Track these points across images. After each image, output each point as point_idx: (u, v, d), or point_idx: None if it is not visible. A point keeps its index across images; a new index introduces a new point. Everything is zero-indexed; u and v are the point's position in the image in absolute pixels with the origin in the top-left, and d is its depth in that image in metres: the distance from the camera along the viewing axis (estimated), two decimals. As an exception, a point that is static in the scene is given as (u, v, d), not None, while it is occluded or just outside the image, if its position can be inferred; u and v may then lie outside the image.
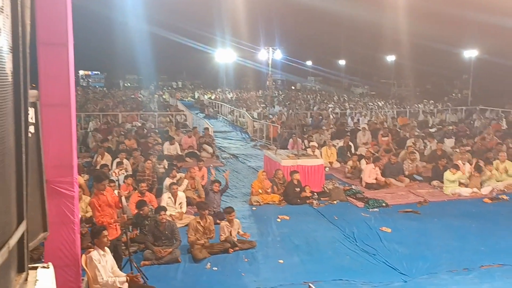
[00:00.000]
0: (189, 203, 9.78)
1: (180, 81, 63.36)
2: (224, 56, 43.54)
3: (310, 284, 3.58)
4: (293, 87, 56.66)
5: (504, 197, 10.95)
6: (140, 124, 19.72)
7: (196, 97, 44.44)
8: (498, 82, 37.73)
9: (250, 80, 57.24)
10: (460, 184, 11.47)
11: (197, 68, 60.53)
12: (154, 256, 7.32)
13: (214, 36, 44.80)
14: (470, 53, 37.24)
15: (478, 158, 13.47)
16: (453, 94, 43.48)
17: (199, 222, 7.78)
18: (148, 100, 35.27)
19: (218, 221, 8.80)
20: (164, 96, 41.91)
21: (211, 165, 14.28)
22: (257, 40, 37.75)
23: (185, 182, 10.60)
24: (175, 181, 10.17)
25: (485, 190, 11.31)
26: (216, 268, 7.14)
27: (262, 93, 42.89)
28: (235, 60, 45.37)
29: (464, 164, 12.07)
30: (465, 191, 11.21)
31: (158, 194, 10.29)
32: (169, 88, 55.77)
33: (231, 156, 16.37)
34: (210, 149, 15.92)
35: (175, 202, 9.31)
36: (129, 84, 60.08)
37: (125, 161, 11.98)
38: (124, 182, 9.97)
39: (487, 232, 8.69)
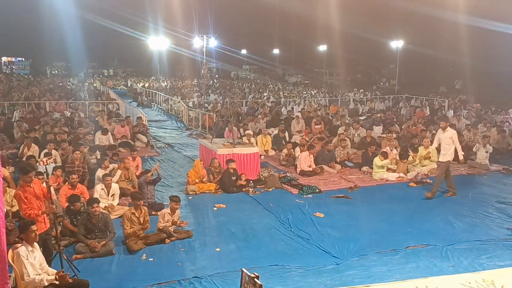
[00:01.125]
0: (123, 194, 9.58)
1: (111, 68, 61.37)
2: (158, 43, 42.59)
3: (244, 270, 3.65)
4: (229, 76, 56.55)
5: (428, 181, 11.61)
6: (69, 114, 18.95)
7: (129, 85, 43.25)
8: (422, 72, 39.80)
9: (185, 68, 56.47)
10: (388, 169, 12.03)
11: (130, 56, 58.83)
12: (87, 249, 7.12)
13: (147, 23, 43.77)
14: (397, 44, 38.93)
15: (404, 144, 14.22)
16: (381, 83, 45.26)
17: (133, 213, 7.65)
18: (78, 88, 33.92)
19: (153, 212, 8.72)
20: (94, 84, 40.45)
21: (146, 154, 14.07)
22: (191, 28, 37.30)
23: (118, 172, 10.35)
24: (108, 172, 9.90)
25: (411, 174, 11.95)
26: (152, 259, 7.07)
27: (197, 81, 42.50)
28: (169, 48, 44.55)
29: (391, 150, 12.66)
30: (392, 176, 11.77)
31: (90, 186, 9.98)
32: (100, 76, 53.85)
33: (166, 146, 16.16)
34: (144, 139, 15.62)
35: (108, 194, 9.08)
36: (56, 72, 57.40)
37: (53, 152, 11.48)
38: (53, 173, 9.58)
39: (412, 215, 9.17)
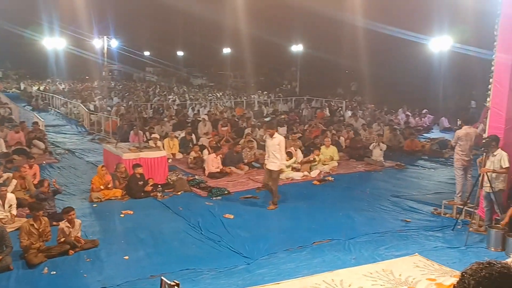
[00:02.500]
0: (19, 204, 8.94)
1: (1, 70, 56.66)
2: (54, 43, 40.11)
3: (163, 278, 3.58)
4: (131, 78, 54.86)
5: (330, 178, 12.22)
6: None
7: (22, 88, 40.34)
8: (321, 74, 41.67)
9: (84, 70, 53.82)
10: (293, 168, 12.47)
11: (22, 57, 54.58)
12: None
13: (41, 22, 41.00)
14: (297, 48, 40.42)
15: (307, 144, 14.83)
16: (283, 86, 46.59)
17: (32, 225, 7.19)
18: (-37, 91, 31.00)
19: (54, 223, 8.24)
20: (-18, 87, 37.21)
21: (44, 162, 13.27)
22: (91, 28, 35.65)
23: (14, 182, 9.66)
24: (2, 182, 9.20)
25: (314, 173, 12.49)
26: (54, 272, 6.69)
27: (97, 84, 40.76)
28: (66, 49, 42.16)
29: (296, 150, 13.13)
30: (297, 175, 12.23)
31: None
32: (-11, 78, 49.62)
33: (67, 152, 15.32)
34: (42, 145, 14.70)
35: (3, 205, 8.43)
36: None
37: None
38: None
39: (316, 211, 9.60)
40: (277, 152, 9.51)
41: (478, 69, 20.08)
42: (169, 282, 3.41)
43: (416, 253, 7.13)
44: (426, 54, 27.63)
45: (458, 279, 1.93)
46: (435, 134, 19.52)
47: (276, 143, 9.56)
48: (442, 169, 13.63)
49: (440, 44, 25.16)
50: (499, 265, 1.82)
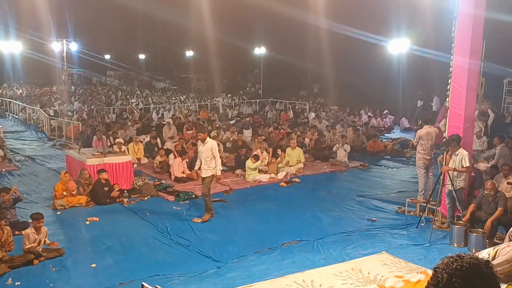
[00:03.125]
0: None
1: (-48, 75, 54.39)
2: (9, 47, 38.86)
3: (144, 283, 3.53)
4: (94, 83, 53.69)
5: (296, 180, 12.34)
6: None
7: (-24, 94, 38.84)
8: (283, 77, 42.10)
9: (42, 74, 52.34)
10: (260, 171, 12.54)
11: (-25, 61, 52.74)
12: None
13: (-5, 25, 39.66)
14: (260, 50, 40.66)
15: (273, 146, 14.91)
16: (247, 88, 46.77)
17: (-6, 235, 6.95)
18: None
19: (16, 232, 7.99)
20: None
21: (3, 169, 12.84)
22: (49, 31, 34.69)
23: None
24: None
25: (281, 175, 12.58)
26: (19, 283, 6.48)
27: (57, 88, 39.71)
28: (23, 53, 40.89)
29: (262, 152, 13.20)
30: (264, 177, 12.29)
31: None
32: None
33: (27, 158, 14.85)
34: (0, 152, 14.20)
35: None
36: None
37: None
38: None
39: (284, 213, 9.67)
40: (210, 157, 9.03)
41: (435, 70, 20.81)
42: (150, 287, 3.37)
43: (384, 251, 7.30)
44: (386, 56, 28.35)
45: (424, 275, 2.03)
46: (396, 134, 20.01)
47: (209, 148, 9.07)
48: (404, 168, 14.00)
49: (398, 46, 25.83)
50: (468, 257, 1.95)
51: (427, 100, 23.95)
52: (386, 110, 22.60)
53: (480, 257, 1.96)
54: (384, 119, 21.54)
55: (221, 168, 9.42)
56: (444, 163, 8.45)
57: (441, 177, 8.39)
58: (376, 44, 26.82)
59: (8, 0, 36.22)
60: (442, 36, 10.53)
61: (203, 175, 9.18)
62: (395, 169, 13.93)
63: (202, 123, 19.67)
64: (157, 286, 3.33)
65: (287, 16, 29.74)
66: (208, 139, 9.29)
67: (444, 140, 8.55)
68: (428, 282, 1.98)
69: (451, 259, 1.95)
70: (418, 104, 24.07)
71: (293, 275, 6.45)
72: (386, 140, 17.79)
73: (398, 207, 9.84)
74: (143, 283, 3.35)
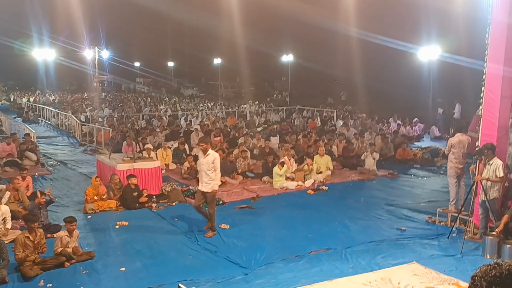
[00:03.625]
0: (14, 216, 8.83)
1: (-10, 82, 56.21)
2: (43, 55, 39.96)
3: (181, 285, 3.56)
4: (123, 90, 54.69)
5: (324, 187, 12.24)
6: None
7: (11, 100, 40.07)
8: (311, 84, 42.02)
9: (74, 81, 53.72)
10: (287, 178, 12.50)
11: (11, 68, 54.27)
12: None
13: (30, 33, 40.89)
14: (288, 58, 40.73)
15: (301, 153, 14.88)
16: (274, 95, 46.85)
17: (27, 237, 7.11)
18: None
19: (49, 235, 8.17)
20: (-29, 100, 36.94)
21: (37, 173, 13.17)
22: (81, 39, 35.58)
23: (7, 194, 9.55)
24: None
25: (308, 182, 12.50)
26: (50, 285, 6.62)
27: (88, 95, 40.60)
28: (56, 60, 42.00)
29: (289, 159, 13.16)
30: (292, 185, 12.23)
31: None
32: (-23, 90, 49.24)
33: (59, 163, 15.20)
34: (33, 157, 14.57)
35: (-2, 217, 8.36)
36: None
37: None
38: None
39: (312, 220, 9.60)
40: (211, 171, 8.44)
41: (467, 78, 20.40)
42: None
43: (414, 261, 7.16)
44: (416, 64, 27.97)
45: (456, 286, 2.01)
46: (426, 143, 19.66)
47: (211, 160, 8.43)
48: (435, 177, 13.74)
49: (428, 54, 25.44)
50: (507, 264, 1.92)
51: (449, 107, 23.69)
52: (416, 118, 22.26)
53: None
54: (413, 127, 21.20)
55: (219, 183, 8.82)
56: (477, 173, 8.26)
57: (474, 187, 8.19)
58: (406, 51, 26.51)
59: (42, 8, 37.31)
60: (475, 43, 10.34)
61: (203, 189, 8.56)
62: (425, 178, 13.68)
63: (229, 129, 19.80)
64: (193, 287, 3.34)
65: (315, 23, 29.72)
66: (210, 150, 8.63)
67: (477, 149, 8.36)
68: None
69: (490, 267, 1.93)
70: (438, 111, 23.81)
71: (322, 284, 6.39)
72: (416, 148, 17.50)
73: (428, 217, 9.65)
74: (180, 284, 3.37)
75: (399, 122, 21.76)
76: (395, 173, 13.91)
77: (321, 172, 13.13)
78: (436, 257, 7.60)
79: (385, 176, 13.73)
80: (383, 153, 15.91)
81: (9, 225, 8.41)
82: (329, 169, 13.35)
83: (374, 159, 13.93)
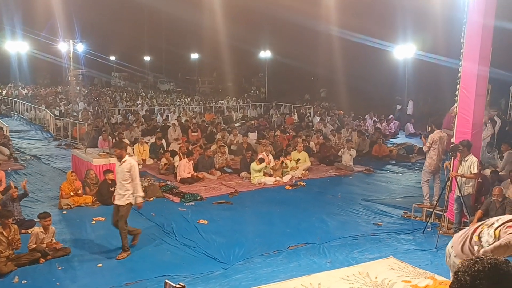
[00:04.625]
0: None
1: (-41, 74, 54.57)
2: (16, 47, 39.01)
3: (167, 281, 3.50)
4: (96, 83, 53.82)
5: (302, 183, 12.31)
6: None
7: (-18, 93, 38.96)
8: (288, 81, 42.14)
9: (48, 74, 52.57)
10: (265, 173, 12.52)
11: (-18, 61, 52.96)
12: None
13: (2, 25, 39.85)
14: (265, 54, 40.73)
15: (279, 149, 14.92)
16: (251, 91, 46.80)
17: (1, 233, 6.95)
18: None
19: (23, 231, 8.01)
20: None
21: (9, 168, 12.88)
22: (56, 32, 34.81)
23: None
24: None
25: (286, 178, 12.55)
26: (25, 281, 6.49)
27: (62, 88, 39.83)
28: (30, 53, 41.04)
29: (267, 155, 13.18)
30: (270, 180, 12.27)
31: None
32: None
33: (32, 158, 14.90)
34: (6, 151, 14.24)
35: (-32, 213, 8.14)
36: None
37: None
38: None
39: (290, 216, 9.65)
40: (127, 181, 7.38)
41: (441, 76, 20.79)
42: (174, 284, 3.34)
43: (391, 256, 7.28)
44: (392, 62, 28.34)
45: (432, 280, 2.05)
46: (401, 139, 19.96)
47: (126, 168, 7.37)
48: (410, 173, 13.96)
49: (404, 52, 25.80)
50: (487, 257, 1.96)
51: (406, 104, 25.12)
52: (391, 115, 22.57)
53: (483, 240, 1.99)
54: (389, 124, 21.49)
55: (142, 194, 7.59)
56: (451, 169, 8.42)
57: (449, 182, 8.36)
58: (383, 49, 26.81)
59: (15, 0, 36.39)
60: (451, 41, 10.53)
61: (117, 202, 7.50)
62: (401, 174, 13.89)
63: (206, 125, 19.72)
64: (180, 283, 3.31)
65: (294, 20, 29.81)
66: (127, 157, 7.53)
67: (452, 145, 8.52)
68: (450, 286, 1.98)
69: (471, 262, 1.97)
70: (397, 108, 24.96)
71: (300, 278, 6.43)
72: (391, 145, 17.76)
73: (404, 212, 9.82)
74: (166, 280, 3.33)
75: (375, 119, 22.03)
76: (372, 169, 14.09)
77: (297, 168, 13.19)
78: (412, 251, 7.73)
79: (361, 171, 13.89)
80: (360, 149, 16.08)
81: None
82: (307, 165, 13.43)
83: (351, 155, 14.07)
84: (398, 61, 27.43)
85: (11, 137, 16.80)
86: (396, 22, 26.07)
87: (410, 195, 11.23)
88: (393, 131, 21.34)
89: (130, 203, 7.50)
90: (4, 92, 36.44)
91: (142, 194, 7.62)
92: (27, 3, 34.52)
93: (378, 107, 25.20)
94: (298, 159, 13.44)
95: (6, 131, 16.08)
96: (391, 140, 19.71)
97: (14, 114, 27.09)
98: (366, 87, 30.16)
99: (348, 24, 26.57)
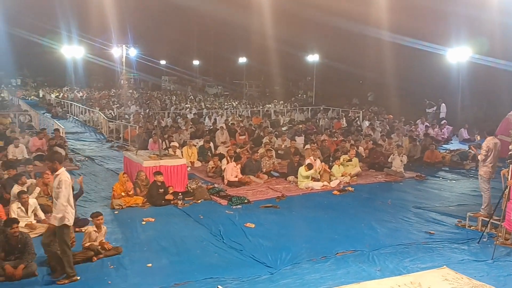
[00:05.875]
0: (43, 210, 8.98)
1: (20, 78, 57.50)
2: (72, 52, 40.68)
3: (219, 286, 3.53)
4: (149, 87, 55.27)
5: (350, 188, 12.10)
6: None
7: (40, 95, 40.91)
8: (336, 84, 41.61)
9: (101, 78, 54.50)
10: (312, 178, 12.40)
11: (40, 65, 55.51)
12: (4, 272, 6.59)
13: (59, 30, 41.61)
14: (313, 57, 40.45)
15: (326, 154, 14.74)
16: (299, 95, 46.61)
17: (57, 231, 7.18)
18: (-17, 98, 31.55)
19: (77, 229, 8.27)
20: (2, 95, 37.80)
21: (65, 168, 13.34)
22: (109, 37, 36.07)
23: (37, 190, 9.69)
24: (25, 189, 9.26)
25: (334, 183, 12.37)
26: (79, 278, 6.69)
27: (115, 92, 41.17)
28: (84, 57, 42.72)
29: (315, 160, 13.05)
30: (317, 185, 12.13)
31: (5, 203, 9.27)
32: (8, 85, 50.35)
33: (87, 159, 15.45)
34: (62, 152, 14.79)
35: (27, 211, 8.49)
36: (-43, 81, 52.74)
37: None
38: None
39: (338, 221, 9.49)
40: (60, 197, 6.39)
41: (497, 80, 19.92)
42: None
43: (444, 266, 7.00)
44: (444, 65, 27.40)
45: None
46: (455, 145, 19.28)
47: (55, 184, 6.50)
48: (464, 180, 13.44)
49: (458, 55, 24.90)
50: None
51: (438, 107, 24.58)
52: (444, 120, 21.84)
53: None
54: (442, 130, 20.81)
55: (58, 217, 6.41)
56: (509, 177, 8.03)
57: (506, 191, 7.97)
58: (434, 53, 25.99)
59: (71, 6, 37.92)
60: (509, 44, 10.07)
61: (52, 222, 6.59)
62: (454, 181, 13.40)
63: (254, 128, 19.78)
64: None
65: (342, 23, 29.45)
66: (61, 170, 6.57)
67: (510, 152, 8.13)
68: None
69: None
70: (428, 110, 24.63)
71: (349, 286, 6.30)
72: (444, 151, 17.17)
73: (458, 221, 9.44)
74: (219, 286, 3.34)
75: (427, 124, 21.39)
76: (423, 176, 13.67)
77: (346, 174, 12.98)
78: (467, 262, 7.41)
79: (412, 178, 13.51)
80: (411, 155, 15.66)
81: (42, 216, 8.58)
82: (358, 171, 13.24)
83: (401, 161, 13.71)
84: (451, 64, 26.49)
85: (67, 139, 17.50)
86: (450, 24, 25.20)
87: (464, 203, 10.82)
88: (446, 136, 20.65)
89: (67, 226, 6.51)
90: (60, 95, 38.08)
91: (58, 216, 6.40)
92: (83, 9, 35.88)
93: (431, 112, 24.44)
94: (350, 160, 13.27)
95: (63, 132, 16.75)
96: (444, 146, 19.08)
97: (70, 116, 28.22)
98: (417, 91, 29.32)
99: (398, 26, 25.98)
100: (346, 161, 13.27)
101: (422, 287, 6.18)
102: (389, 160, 14.05)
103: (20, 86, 52.47)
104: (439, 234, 8.76)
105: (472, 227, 9.04)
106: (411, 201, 11.10)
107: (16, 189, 9.22)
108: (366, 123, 22.37)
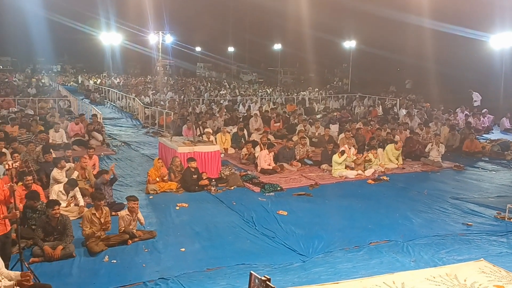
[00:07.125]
0: (81, 194, 9.21)
1: (60, 64, 59.03)
2: (110, 39, 41.33)
3: (253, 272, 3.54)
4: (181, 73, 55.77)
5: (385, 178, 11.90)
6: (17, 110, 18.15)
7: (79, 81, 41.89)
8: (373, 71, 40.77)
9: (138, 65, 55.34)
10: (346, 167, 12.25)
11: (80, 51, 56.81)
12: (43, 253, 6.82)
13: (98, 17, 42.33)
14: (350, 44, 39.71)
15: (361, 142, 14.53)
16: (334, 82, 46.02)
17: (94, 214, 7.39)
18: (25, 84, 32.53)
19: (113, 213, 8.45)
20: (43, 81, 38.91)
21: (102, 153, 13.68)
22: (145, 24, 36.48)
23: (75, 174, 9.94)
24: (64, 173, 9.52)
25: (368, 172, 12.18)
26: (115, 261, 6.85)
27: (151, 78, 41.72)
28: (122, 44, 43.40)
29: (349, 148, 12.87)
30: (351, 173, 11.98)
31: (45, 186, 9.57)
32: (49, 71, 51.80)
33: (123, 144, 15.77)
34: (100, 137, 15.17)
35: (67, 194, 8.74)
36: (1, 67, 54.68)
37: (4, 150, 10.91)
38: (5, 174, 9.10)
39: (372, 211, 9.36)
40: None
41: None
42: (259, 276, 3.34)
43: (482, 258, 6.81)
44: (486, 52, 26.43)
45: None
46: (496, 135, 18.66)
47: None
48: (505, 171, 13.03)
49: (502, 41, 23.94)
50: None
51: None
52: (485, 109, 21.15)
53: None
54: (482, 119, 20.15)
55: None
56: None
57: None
58: (476, 39, 25.09)
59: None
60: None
61: None
62: (494, 172, 13.00)
63: (287, 116, 19.68)
64: (265, 276, 3.29)
65: (381, 9, 28.78)
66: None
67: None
68: None
69: None
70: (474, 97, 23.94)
71: (383, 276, 6.21)
72: (484, 140, 16.65)
73: (497, 213, 9.16)
74: (252, 272, 3.33)
75: (467, 112, 20.76)
76: (461, 166, 13.31)
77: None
78: (505, 254, 7.20)
79: (450, 168, 13.19)
80: (449, 144, 15.27)
81: (82, 202, 8.80)
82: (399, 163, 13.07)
83: (439, 150, 13.38)
84: (494, 51, 25.51)
85: (104, 124, 17.89)
86: (494, 10, 24.21)
87: (504, 195, 10.50)
88: (486, 125, 20.00)
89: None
90: (98, 81, 38.88)
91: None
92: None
93: (471, 100, 23.71)
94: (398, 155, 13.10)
95: (100, 118, 17.12)
96: (484, 135, 18.50)
97: (107, 102, 28.80)
98: (457, 79, 28.43)
99: (438, 11, 25.17)
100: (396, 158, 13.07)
101: (458, 279, 6.03)
102: (426, 149, 13.73)
103: (60, 72, 53.91)
104: (477, 225, 8.53)
105: (512, 220, 8.76)
106: (449, 191, 10.83)
107: (56, 172, 9.50)
108: (403, 111, 21.88)
